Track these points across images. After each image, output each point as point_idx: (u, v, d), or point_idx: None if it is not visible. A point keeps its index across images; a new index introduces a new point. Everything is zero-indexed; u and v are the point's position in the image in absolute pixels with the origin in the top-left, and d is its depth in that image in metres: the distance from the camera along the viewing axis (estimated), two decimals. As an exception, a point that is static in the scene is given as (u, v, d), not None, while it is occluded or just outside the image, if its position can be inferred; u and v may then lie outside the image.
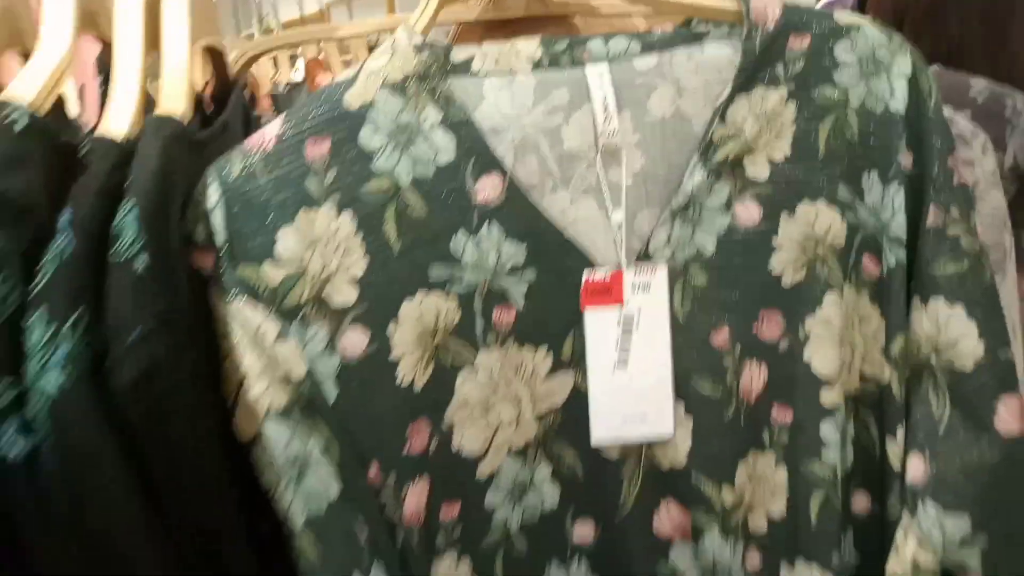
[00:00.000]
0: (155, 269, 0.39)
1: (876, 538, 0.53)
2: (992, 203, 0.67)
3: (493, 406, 0.50)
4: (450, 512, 0.50)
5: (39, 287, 0.36)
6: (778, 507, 0.53)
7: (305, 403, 0.45)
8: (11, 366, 0.36)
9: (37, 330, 0.35)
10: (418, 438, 0.47)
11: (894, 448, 0.51)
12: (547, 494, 0.52)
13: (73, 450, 0.36)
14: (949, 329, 0.49)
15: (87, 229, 0.38)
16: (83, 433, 0.36)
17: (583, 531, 0.53)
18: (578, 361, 0.50)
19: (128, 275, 0.38)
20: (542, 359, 0.50)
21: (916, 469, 0.49)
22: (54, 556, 0.37)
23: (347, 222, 0.46)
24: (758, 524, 0.53)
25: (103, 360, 0.37)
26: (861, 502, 0.53)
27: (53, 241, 0.37)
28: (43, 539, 0.37)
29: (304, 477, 0.43)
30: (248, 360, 0.44)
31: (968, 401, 0.48)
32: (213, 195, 0.45)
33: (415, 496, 0.47)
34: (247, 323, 0.44)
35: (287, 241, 0.46)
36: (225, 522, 0.42)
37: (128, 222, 0.38)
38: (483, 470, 0.50)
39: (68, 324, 0.36)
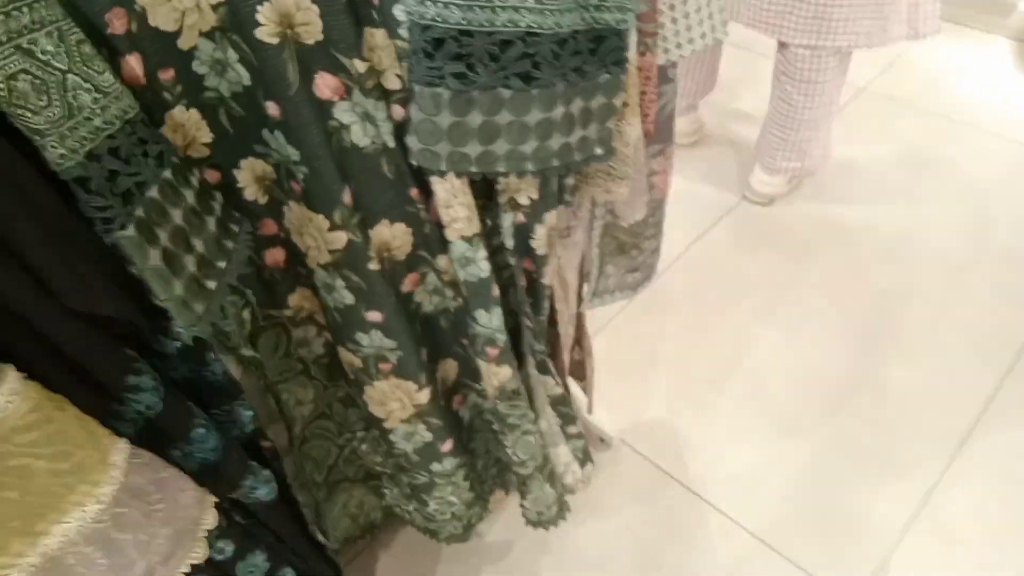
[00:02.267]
0: None
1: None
2: None
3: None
4: (167, 75, 0.72)
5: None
6: (402, 72, 0.77)
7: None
8: None
9: None
10: (118, 22, 0.68)
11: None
12: (242, 74, 0.75)
13: None
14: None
15: None
16: None
17: (272, 109, 0.77)
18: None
19: None
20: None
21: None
22: None
23: None
24: (391, 83, 0.78)
25: None
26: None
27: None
28: None
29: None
30: None
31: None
32: None
33: (130, 66, 0.69)
34: None
35: None
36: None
37: None
38: (183, 44, 0.71)
39: None
